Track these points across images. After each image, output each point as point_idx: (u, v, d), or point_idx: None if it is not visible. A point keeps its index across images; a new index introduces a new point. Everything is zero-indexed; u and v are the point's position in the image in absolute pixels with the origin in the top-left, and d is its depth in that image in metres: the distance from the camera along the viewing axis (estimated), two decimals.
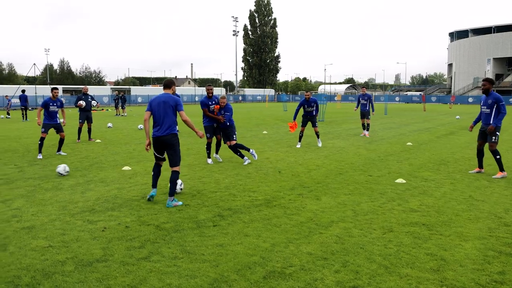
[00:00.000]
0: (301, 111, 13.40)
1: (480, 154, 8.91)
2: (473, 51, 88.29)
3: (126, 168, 9.36)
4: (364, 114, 16.34)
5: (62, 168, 8.62)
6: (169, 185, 6.47)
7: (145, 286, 3.77)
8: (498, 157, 8.48)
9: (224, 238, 4.96)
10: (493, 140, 8.45)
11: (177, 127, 6.57)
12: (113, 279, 3.88)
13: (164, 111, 6.40)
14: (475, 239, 4.96)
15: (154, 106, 6.47)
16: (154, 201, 6.61)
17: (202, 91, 73.14)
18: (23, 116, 27.39)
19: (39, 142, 11.12)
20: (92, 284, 3.79)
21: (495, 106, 8.55)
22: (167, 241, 4.86)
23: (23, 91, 29.46)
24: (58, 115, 11.71)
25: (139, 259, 4.34)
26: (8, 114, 30.97)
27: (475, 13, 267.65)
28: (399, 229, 5.32)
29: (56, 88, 11.95)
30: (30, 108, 31.08)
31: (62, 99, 50.09)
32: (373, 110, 16.41)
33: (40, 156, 10.91)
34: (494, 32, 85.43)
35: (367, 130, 16.46)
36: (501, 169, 8.54)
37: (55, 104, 11.53)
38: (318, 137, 13.45)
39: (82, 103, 14.37)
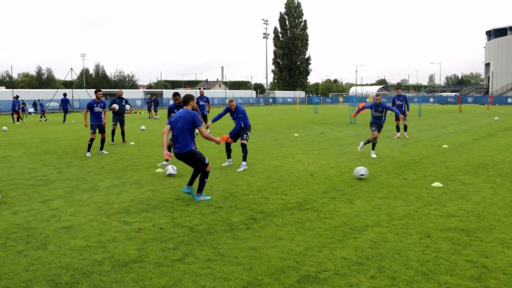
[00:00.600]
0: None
1: None
2: None
3: (159, 170, 9.51)
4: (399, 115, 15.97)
5: (171, 168, 8.88)
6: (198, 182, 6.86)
7: (179, 287, 3.80)
8: None
9: (257, 241, 4.95)
10: None
11: (193, 143, 6.80)
12: (148, 280, 3.94)
13: (182, 127, 6.64)
14: None
15: (173, 120, 6.77)
16: (187, 203, 6.68)
17: (233, 93, 73.67)
18: (64, 119, 28.71)
19: (89, 143, 12.10)
20: (129, 285, 3.85)
21: None
22: (200, 243, 4.89)
23: (65, 94, 30.51)
24: (102, 116, 12.27)
25: (174, 261, 4.39)
26: (41, 117, 32.33)
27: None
28: (437, 234, 5.17)
29: (100, 90, 12.71)
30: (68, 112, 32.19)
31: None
32: (408, 110, 16.12)
33: (88, 154, 11.95)
34: None
35: (405, 130, 16.16)
36: None
37: (99, 105, 12.29)
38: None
39: (116, 106, 14.75)
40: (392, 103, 16.38)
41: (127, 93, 62.19)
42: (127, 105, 15.60)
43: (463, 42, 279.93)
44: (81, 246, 4.79)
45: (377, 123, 11.63)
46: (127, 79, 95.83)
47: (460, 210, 6.19)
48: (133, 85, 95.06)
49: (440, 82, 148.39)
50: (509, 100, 65.27)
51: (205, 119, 17.84)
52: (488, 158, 10.97)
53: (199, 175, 6.87)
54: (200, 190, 6.85)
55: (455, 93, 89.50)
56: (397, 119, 16.15)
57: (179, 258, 4.46)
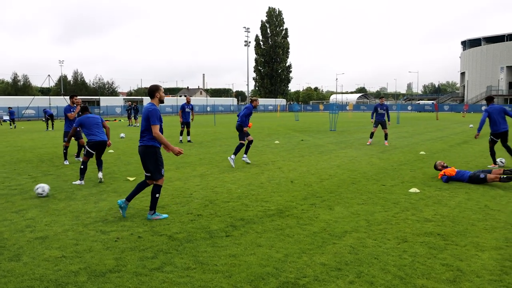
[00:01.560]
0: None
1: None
2: (486, 60, 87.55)
3: (131, 178, 9.40)
4: (382, 124, 16.34)
5: (41, 189, 7.68)
6: (150, 198, 6.24)
7: None
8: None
9: (237, 249, 4.93)
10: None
11: (152, 140, 6.06)
12: None
13: (142, 123, 6.11)
14: (491, 249, 4.86)
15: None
16: (166, 211, 6.61)
17: (214, 101, 73.58)
18: (47, 126, 28.37)
19: (64, 151, 11.92)
20: None
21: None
22: (179, 252, 4.85)
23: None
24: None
25: (152, 270, 4.33)
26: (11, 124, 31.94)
27: (487, 21, 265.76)
28: (414, 239, 5.24)
29: (76, 95, 12.39)
30: (43, 119, 31.77)
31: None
32: (389, 120, 16.46)
33: (66, 162, 11.80)
34: (507, 40, 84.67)
35: (386, 139, 16.53)
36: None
37: (74, 110, 11.94)
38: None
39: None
40: (373, 111, 16.66)
41: (107, 100, 61.55)
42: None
43: (440, 52, 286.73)
44: (56, 257, 4.69)
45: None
46: (107, 86, 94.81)
47: (436, 215, 6.31)
48: (112, 92, 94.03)
49: (417, 90, 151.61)
50: (483, 108, 66.95)
51: (188, 126, 17.89)
52: (463, 164, 11.21)
53: (151, 190, 6.16)
54: (152, 207, 6.16)
55: (432, 101, 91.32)
56: (376, 126, 16.42)
57: (158, 267, 4.41)
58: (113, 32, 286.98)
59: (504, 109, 10.99)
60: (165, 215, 6.29)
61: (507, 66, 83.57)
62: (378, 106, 16.59)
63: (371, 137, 16.82)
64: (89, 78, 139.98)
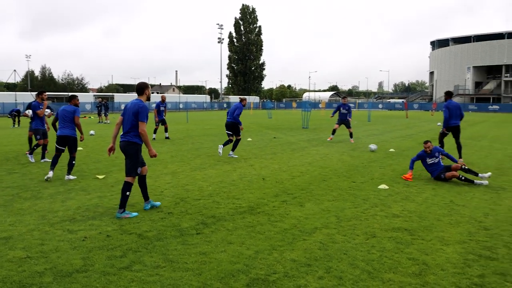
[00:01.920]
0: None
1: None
2: (454, 60, 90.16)
3: (100, 176, 9.24)
4: (345, 123, 16.73)
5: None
6: (119, 194, 6.29)
7: None
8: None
9: (207, 246, 4.91)
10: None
11: (136, 136, 6.10)
12: None
13: (128, 118, 6.09)
14: (455, 243, 5.02)
15: (123, 111, 6.26)
16: (136, 209, 6.52)
17: (187, 98, 72.94)
18: (14, 123, 27.38)
19: (34, 148, 11.56)
20: None
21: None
22: (149, 250, 4.79)
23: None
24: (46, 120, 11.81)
25: (121, 269, 4.27)
26: None
27: (455, 22, 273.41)
28: (382, 234, 5.36)
29: (44, 91, 11.93)
30: (9, 116, 30.71)
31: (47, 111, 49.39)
32: (350, 117, 16.87)
33: (32, 159, 11.45)
34: (473, 41, 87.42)
35: (351, 137, 16.88)
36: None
37: (42, 106, 11.49)
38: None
39: (28, 113, 13.94)
40: (335, 109, 16.96)
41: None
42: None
43: (410, 51, 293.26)
44: (20, 258, 4.55)
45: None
46: (76, 82, 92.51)
47: (404, 211, 6.46)
48: (82, 88, 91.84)
49: (388, 89, 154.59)
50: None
51: (164, 123, 17.82)
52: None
53: (122, 187, 6.15)
54: (122, 205, 6.08)
55: (402, 100, 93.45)
56: (339, 124, 16.88)
57: (126, 266, 4.34)
58: (84, 27, 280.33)
59: (460, 107, 11.87)
60: (135, 213, 6.21)
61: (473, 66, 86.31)
62: (341, 106, 16.95)
63: (332, 134, 17.35)
64: (58, 74, 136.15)
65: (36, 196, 7.44)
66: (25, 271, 4.20)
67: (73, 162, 9.06)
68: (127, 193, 6.10)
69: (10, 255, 4.63)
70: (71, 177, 8.97)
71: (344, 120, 16.66)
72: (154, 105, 18.34)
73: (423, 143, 9.27)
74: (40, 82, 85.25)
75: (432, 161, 8.96)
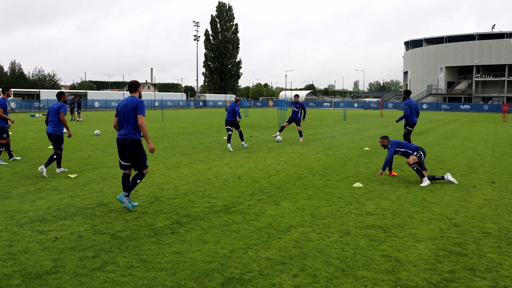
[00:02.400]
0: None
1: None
2: (427, 60, 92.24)
3: (72, 175, 9.05)
4: (296, 122, 16.83)
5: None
6: (131, 182, 6.37)
7: None
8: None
9: (182, 246, 4.87)
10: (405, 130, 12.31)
11: (138, 133, 6.32)
12: None
13: (126, 115, 6.26)
14: (427, 240, 5.13)
15: (119, 110, 6.39)
16: (110, 209, 6.41)
17: (162, 96, 72.15)
18: None
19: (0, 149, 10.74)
20: None
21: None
22: (122, 250, 4.71)
23: None
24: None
25: (93, 270, 4.18)
26: None
27: (429, 23, 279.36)
28: (356, 232, 5.42)
29: (10, 87, 11.53)
30: None
31: (12, 103, 47.95)
32: (304, 118, 16.89)
33: (1, 162, 10.61)
34: (446, 42, 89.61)
35: (301, 136, 16.92)
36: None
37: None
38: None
39: None
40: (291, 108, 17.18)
41: (48, 94, 58.59)
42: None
43: (385, 51, 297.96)
44: None
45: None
46: (48, 78, 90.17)
47: (378, 209, 6.56)
48: (54, 85, 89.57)
49: (364, 88, 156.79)
50: (424, 106, 70.42)
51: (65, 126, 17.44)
52: (404, 160, 11.71)
53: (134, 175, 6.35)
54: (129, 190, 6.31)
55: (377, 99, 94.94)
56: (290, 122, 17.10)
57: (99, 267, 4.26)
58: (56, 22, 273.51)
59: (417, 105, 12.67)
60: (135, 203, 6.55)
61: (446, 67, 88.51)
62: (293, 104, 17.08)
63: (280, 131, 17.33)
64: (28, 70, 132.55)
65: (4, 195, 7.21)
66: None
67: (54, 157, 9.19)
68: (138, 181, 6.37)
69: None
70: (44, 169, 8.92)
71: (294, 118, 16.81)
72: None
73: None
74: (9, 78, 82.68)
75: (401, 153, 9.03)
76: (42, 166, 8.93)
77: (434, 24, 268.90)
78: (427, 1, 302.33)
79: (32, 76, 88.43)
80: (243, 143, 14.42)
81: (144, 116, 6.24)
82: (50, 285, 3.84)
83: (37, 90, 62.16)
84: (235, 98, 14.81)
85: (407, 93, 12.75)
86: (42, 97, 56.78)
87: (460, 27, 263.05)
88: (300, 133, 16.82)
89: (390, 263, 4.42)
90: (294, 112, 16.78)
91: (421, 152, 8.68)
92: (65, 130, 9.63)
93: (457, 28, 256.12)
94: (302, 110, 16.76)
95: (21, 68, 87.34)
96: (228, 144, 13.58)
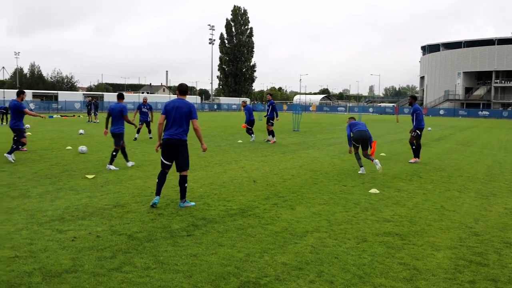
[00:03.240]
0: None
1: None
2: (444, 65, 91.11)
3: (89, 176, 9.15)
4: (268, 120, 17.71)
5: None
6: (179, 188, 6.77)
7: None
8: (413, 147, 12.40)
9: (198, 248, 4.88)
10: (412, 134, 12.44)
11: (186, 134, 6.66)
12: None
13: (178, 117, 6.55)
14: (446, 248, 5.05)
15: (169, 110, 6.63)
16: (126, 210, 6.46)
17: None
18: (1, 120, 26.92)
19: (19, 147, 11.35)
20: None
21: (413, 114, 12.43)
22: (139, 251, 4.75)
23: None
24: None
25: (110, 270, 4.22)
26: None
27: (446, 28, 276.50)
28: (373, 239, 5.37)
29: (24, 91, 11.97)
30: None
31: (31, 104, 48.80)
32: (277, 116, 17.74)
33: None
34: (464, 47, 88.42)
35: (272, 135, 17.61)
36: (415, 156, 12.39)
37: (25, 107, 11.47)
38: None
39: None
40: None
41: (65, 95, 59.49)
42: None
43: (401, 56, 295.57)
44: (8, 257, 4.47)
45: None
46: (66, 80, 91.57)
47: (395, 215, 6.48)
48: (72, 87, 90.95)
49: (379, 93, 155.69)
50: (441, 112, 69.63)
51: (148, 125, 17.79)
52: (421, 166, 11.60)
53: (179, 181, 6.67)
54: (183, 195, 6.70)
55: (393, 104, 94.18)
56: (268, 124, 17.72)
57: (116, 267, 4.29)
58: (75, 25, 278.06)
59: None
60: (192, 203, 6.84)
61: (463, 72, 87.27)
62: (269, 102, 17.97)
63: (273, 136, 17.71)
64: (47, 72, 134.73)
65: (24, 195, 7.34)
66: (14, 270, 4.13)
67: (114, 153, 10.11)
68: (186, 184, 6.70)
69: None
70: (111, 166, 10.04)
71: (267, 116, 17.76)
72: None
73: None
74: (28, 80, 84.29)
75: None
76: (109, 165, 10.02)
77: (451, 29, 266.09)
78: (445, 5, 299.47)
79: (51, 77, 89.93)
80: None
81: (197, 119, 6.67)
82: (69, 283, 3.89)
83: (55, 91, 63.15)
84: (243, 101, 16.68)
85: (414, 98, 13.22)
86: (60, 98, 57.67)
87: (478, 32, 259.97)
88: (271, 133, 17.66)
89: (408, 271, 4.37)
90: (267, 111, 18.00)
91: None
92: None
93: (476, 33, 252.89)
94: (274, 110, 17.64)
95: (40, 70, 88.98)
96: (252, 136, 17.29)
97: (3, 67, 53.92)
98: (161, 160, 6.75)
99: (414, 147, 12.40)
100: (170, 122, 6.59)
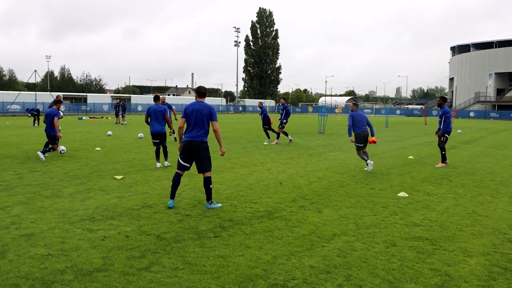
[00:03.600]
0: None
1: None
2: (475, 66, 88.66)
3: (118, 177, 9.32)
4: (280, 122, 17.75)
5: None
6: (205, 190, 6.79)
7: None
8: (443, 152, 11.97)
9: (225, 250, 4.90)
10: (441, 139, 11.93)
11: (206, 136, 6.70)
12: None
13: (199, 119, 6.59)
14: (479, 255, 4.91)
15: (189, 113, 6.66)
16: (154, 210, 6.55)
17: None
18: (34, 122, 27.82)
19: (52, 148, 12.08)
20: None
21: (443, 117, 11.83)
22: (167, 252, 4.80)
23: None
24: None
25: (140, 269, 4.28)
26: None
27: (477, 27, 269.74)
28: (402, 243, 5.27)
29: (61, 101, 12.87)
30: (29, 115, 31.33)
31: (62, 107, 50.19)
32: (286, 120, 17.66)
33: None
34: (495, 47, 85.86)
35: (278, 138, 17.90)
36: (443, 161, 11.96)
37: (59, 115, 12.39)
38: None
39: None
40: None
41: (94, 98, 60.91)
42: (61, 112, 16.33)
43: (430, 57, 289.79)
44: (42, 255, 4.60)
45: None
46: (94, 83, 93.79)
47: (425, 220, 6.34)
48: (100, 89, 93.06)
49: (406, 95, 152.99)
50: (471, 114, 67.87)
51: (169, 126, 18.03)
52: (452, 170, 11.31)
53: (204, 183, 6.70)
54: (209, 197, 6.74)
55: (421, 106, 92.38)
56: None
57: (145, 267, 4.35)
58: (103, 28, 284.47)
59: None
60: (219, 205, 6.87)
61: (495, 73, 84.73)
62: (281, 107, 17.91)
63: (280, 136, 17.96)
64: (76, 75, 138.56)
65: (56, 194, 7.54)
66: (47, 268, 4.25)
67: (166, 150, 10.93)
68: (210, 186, 6.72)
69: (32, 252, 4.69)
70: (165, 163, 10.83)
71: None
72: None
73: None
74: (59, 83, 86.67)
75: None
76: (164, 163, 10.80)
77: (482, 28, 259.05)
78: (475, 4, 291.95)
79: (80, 80, 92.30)
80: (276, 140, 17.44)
81: (217, 121, 6.69)
82: (100, 282, 3.96)
83: (84, 94, 64.79)
84: (260, 102, 16.98)
85: (444, 99, 12.60)
86: (89, 100, 59.12)
87: (511, 31, 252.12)
88: (279, 135, 17.92)
89: (440, 277, 4.26)
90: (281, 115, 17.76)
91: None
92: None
93: (508, 32, 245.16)
94: (286, 113, 17.64)
95: (70, 73, 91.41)
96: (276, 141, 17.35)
97: (35, 71, 55.93)
98: (178, 161, 6.76)
99: (444, 152, 11.98)
100: (191, 125, 6.63)
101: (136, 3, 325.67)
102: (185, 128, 6.75)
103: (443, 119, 11.86)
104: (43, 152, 11.73)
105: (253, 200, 7.41)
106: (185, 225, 5.81)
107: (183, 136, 6.73)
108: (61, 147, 12.99)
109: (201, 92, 6.83)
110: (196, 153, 6.61)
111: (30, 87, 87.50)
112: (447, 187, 8.92)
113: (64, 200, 7.10)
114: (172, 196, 6.77)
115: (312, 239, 5.35)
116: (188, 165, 6.73)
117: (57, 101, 12.65)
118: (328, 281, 4.11)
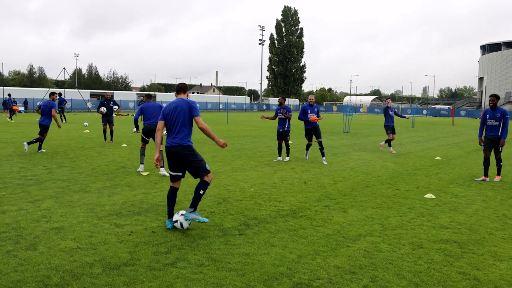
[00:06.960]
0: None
1: (487, 163, 9.87)
2: (506, 65, 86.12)
3: (145, 173, 9.46)
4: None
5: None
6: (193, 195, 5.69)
7: None
8: (501, 164, 9.93)
9: (250, 248, 4.92)
10: (500, 150, 9.73)
11: (189, 137, 5.60)
12: (140, 284, 3.89)
13: (176, 118, 5.53)
14: (510, 259, 4.77)
15: (167, 113, 5.59)
16: (179, 207, 6.61)
17: (227, 99, 73.61)
18: (61, 118, 28.49)
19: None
20: None
21: (502, 120, 9.57)
22: (193, 248, 4.85)
23: (60, 94, 30.14)
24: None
25: (166, 265, 4.34)
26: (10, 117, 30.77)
27: (508, 26, 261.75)
28: (429, 245, 5.17)
29: (55, 93, 13.64)
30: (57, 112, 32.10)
31: (89, 103, 51.34)
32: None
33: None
34: None
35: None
36: (499, 173, 9.93)
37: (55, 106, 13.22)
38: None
39: (103, 110, 15.61)
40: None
41: (120, 95, 62.02)
42: (115, 106, 16.55)
43: (458, 56, 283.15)
44: (71, 248, 4.72)
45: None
46: (120, 80, 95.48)
47: (453, 222, 6.21)
48: (126, 86, 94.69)
49: (433, 95, 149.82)
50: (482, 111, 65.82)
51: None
52: (481, 172, 11.01)
53: (197, 185, 5.58)
54: (193, 204, 5.51)
55: (448, 106, 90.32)
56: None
57: (171, 262, 4.41)
58: (129, 27, 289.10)
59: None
60: (204, 219, 5.53)
61: None
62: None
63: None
64: (103, 72, 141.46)
65: (84, 189, 7.71)
66: (76, 261, 4.35)
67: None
68: (201, 192, 5.56)
69: (62, 245, 4.81)
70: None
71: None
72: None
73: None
74: (86, 80, 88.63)
75: None
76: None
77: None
78: (507, 2, 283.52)
79: (107, 78, 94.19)
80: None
81: (200, 117, 5.55)
82: (127, 276, 4.04)
83: (111, 91, 65.97)
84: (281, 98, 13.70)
85: (497, 97, 9.85)
86: (115, 98, 60.14)
87: None
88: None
89: (468, 281, 4.16)
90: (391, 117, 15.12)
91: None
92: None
93: None
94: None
95: (97, 71, 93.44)
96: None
97: (64, 68, 57.30)
98: (169, 173, 5.78)
99: (501, 163, 9.89)
100: (172, 128, 5.56)
101: (163, 2, 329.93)
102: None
103: (502, 122, 9.51)
104: (28, 143, 12.42)
105: (278, 198, 7.40)
106: (210, 223, 5.85)
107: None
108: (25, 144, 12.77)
109: (178, 88, 5.78)
110: (181, 159, 5.53)
111: (59, 84, 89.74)
112: (476, 189, 8.71)
113: (92, 195, 7.26)
114: (170, 215, 5.65)
115: (337, 239, 5.31)
116: (179, 173, 5.66)
117: (52, 93, 13.42)
118: (353, 282, 4.07)
